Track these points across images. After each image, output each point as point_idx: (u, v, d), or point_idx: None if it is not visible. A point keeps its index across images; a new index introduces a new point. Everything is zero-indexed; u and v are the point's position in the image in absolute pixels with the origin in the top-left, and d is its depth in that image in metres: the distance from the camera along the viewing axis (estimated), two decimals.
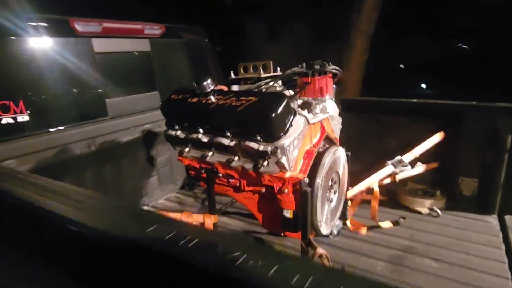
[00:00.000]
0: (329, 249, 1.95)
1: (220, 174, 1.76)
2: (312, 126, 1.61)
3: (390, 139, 2.53)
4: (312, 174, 1.56)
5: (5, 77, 1.79)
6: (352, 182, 2.14)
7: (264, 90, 1.69)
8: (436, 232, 2.10)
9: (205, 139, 1.59)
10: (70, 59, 2.06)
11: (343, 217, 2.08)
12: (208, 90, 1.56)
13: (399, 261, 1.85)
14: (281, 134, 1.40)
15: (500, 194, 2.26)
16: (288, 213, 1.59)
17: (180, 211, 2.44)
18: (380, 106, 2.66)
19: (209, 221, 1.81)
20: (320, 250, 1.50)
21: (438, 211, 2.29)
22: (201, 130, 1.61)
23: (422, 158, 2.36)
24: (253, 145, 1.46)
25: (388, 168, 2.17)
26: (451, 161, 2.40)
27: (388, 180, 2.26)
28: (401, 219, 2.22)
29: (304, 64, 1.63)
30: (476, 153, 2.31)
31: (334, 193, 1.79)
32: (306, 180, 1.50)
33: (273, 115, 1.36)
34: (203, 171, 1.83)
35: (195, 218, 1.80)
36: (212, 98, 1.54)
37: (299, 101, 1.67)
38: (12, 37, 1.80)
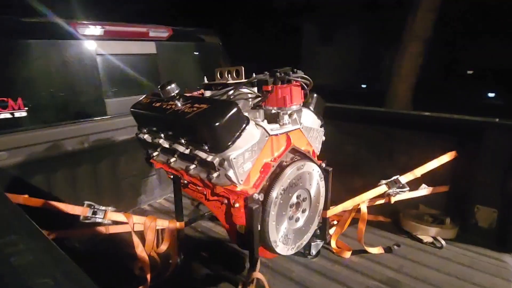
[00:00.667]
0: (303, 270, 1.83)
1: (186, 181, 1.73)
2: (274, 138, 1.50)
3: (390, 155, 2.28)
4: (268, 190, 1.45)
5: (7, 77, 1.95)
6: (339, 200, 1.96)
7: (232, 97, 1.61)
8: (433, 266, 1.83)
9: (166, 145, 1.56)
10: (72, 61, 2.19)
11: (323, 237, 1.93)
12: (172, 94, 1.53)
13: None
14: (228, 145, 1.32)
15: None
16: (240, 229, 1.51)
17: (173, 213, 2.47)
18: (381, 118, 2.41)
19: (173, 227, 1.79)
20: (257, 275, 1.38)
21: (442, 241, 2.00)
22: (162, 135, 1.59)
23: (430, 180, 2.08)
24: (202, 154, 1.40)
25: (381, 188, 1.94)
26: (467, 186, 2.09)
27: (381, 201, 2.02)
28: (395, 247, 1.98)
29: (267, 71, 1.52)
30: (497, 178, 1.97)
31: (303, 211, 1.65)
32: (256, 195, 1.40)
33: (217, 124, 1.28)
34: (172, 176, 1.82)
35: (160, 223, 1.79)
36: (174, 104, 1.51)
37: (263, 111, 1.56)
38: (15, 38, 1.96)
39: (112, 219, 1.70)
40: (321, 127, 1.79)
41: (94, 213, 1.67)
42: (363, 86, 12.29)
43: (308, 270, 1.83)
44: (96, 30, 2.24)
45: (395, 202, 2.04)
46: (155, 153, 1.67)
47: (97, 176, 2.34)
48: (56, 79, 2.16)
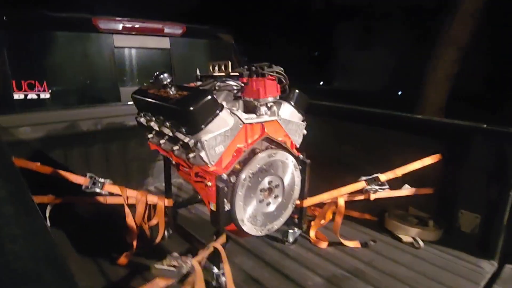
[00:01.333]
0: (278, 254, 1.96)
1: (174, 162, 1.92)
2: (249, 126, 1.64)
3: (376, 154, 2.32)
4: (237, 172, 1.60)
5: (36, 63, 2.26)
6: (318, 192, 2.06)
7: (218, 87, 1.78)
8: (404, 264, 1.87)
9: (156, 128, 1.76)
10: (92, 51, 2.48)
11: (299, 226, 2.04)
12: (164, 83, 1.72)
13: (337, 282, 1.73)
14: (201, 128, 1.48)
15: (505, 236, 1.89)
16: (212, 206, 1.66)
17: (178, 196, 2.68)
18: (370, 118, 2.45)
19: (161, 204, 1.98)
20: (215, 244, 1.52)
21: (421, 242, 2.03)
22: (153, 119, 1.79)
23: (415, 181, 2.11)
24: (181, 136, 1.57)
25: (359, 184, 2.01)
26: (452, 190, 2.09)
27: (361, 197, 2.08)
28: (371, 242, 2.04)
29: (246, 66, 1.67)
30: (482, 184, 1.96)
31: (275, 197, 1.77)
32: (225, 176, 1.55)
33: (190, 108, 1.46)
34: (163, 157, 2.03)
35: (150, 199, 1.99)
36: (165, 91, 1.70)
37: (242, 102, 1.71)
38: (44, 30, 2.27)
39: (109, 191, 1.93)
40: (302, 121, 1.91)
41: (94, 184, 1.90)
42: (399, 92, 11.93)
43: (282, 255, 1.95)
44: (115, 25, 2.51)
45: (384, 202, 2.09)
46: (150, 136, 1.88)
47: (108, 156, 2.61)
48: (77, 67, 2.45)
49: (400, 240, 2.09)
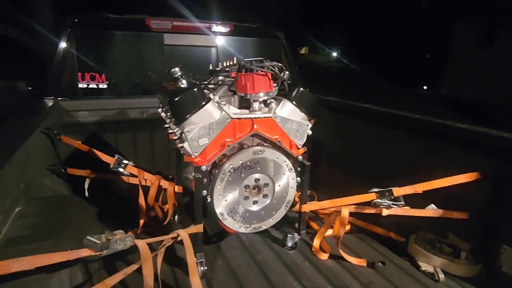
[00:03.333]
0: (271, 257, 1.90)
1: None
2: (237, 122, 1.63)
3: (399, 162, 2.00)
4: (218, 165, 1.61)
5: (96, 58, 2.66)
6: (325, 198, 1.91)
7: (220, 82, 1.82)
8: None
9: (164, 118, 1.90)
10: (144, 49, 2.79)
11: (298, 231, 1.93)
12: (174, 76, 1.83)
13: None
14: (184, 118, 1.55)
15: None
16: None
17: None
18: (396, 121, 2.10)
19: (171, 189, 2.12)
20: (180, 232, 1.55)
21: (441, 275, 1.69)
22: (164, 109, 1.93)
23: (445, 200, 1.77)
24: (172, 126, 1.67)
25: (368, 196, 1.78)
26: (495, 219, 1.68)
27: (372, 211, 1.84)
28: (380, 264, 1.79)
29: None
30: None
31: (263, 196, 1.72)
32: (204, 167, 1.58)
33: (175, 100, 1.54)
34: None
35: (163, 183, 2.14)
36: (174, 84, 1.82)
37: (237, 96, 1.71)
38: (103, 30, 2.65)
39: (130, 172, 2.16)
40: (306, 121, 1.80)
41: (119, 164, 2.16)
42: None
43: (277, 258, 1.87)
44: (165, 25, 2.76)
45: (416, 221, 1.83)
46: (166, 125, 2.03)
47: (153, 143, 2.89)
48: (130, 63, 2.79)
49: (418, 268, 1.79)
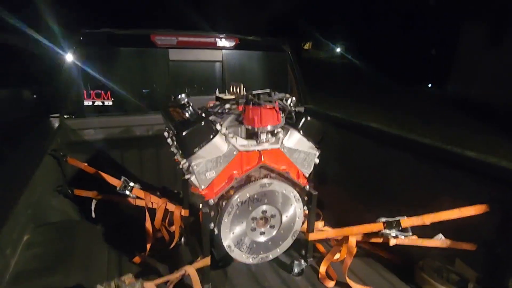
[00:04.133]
0: (278, 283, 1.90)
1: None
2: (245, 154, 1.62)
3: (406, 189, 1.98)
4: (226, 198, 1.60)
5: (102, 75, 2.64)
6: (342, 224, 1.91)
7: (227, 110, 1.80)
8: None
9: (170, 144, 1.88)
10: (149, 65, 2.78)
11: (305, 258, 1.93)
12: (181, 102, 1.82)
13: None
14: (191, 152, 1.54)
15: None
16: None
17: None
18: (405, 145, 2.08)
19: (178, 212, 2.12)
20: (188, 269, 1.55)
21: None
22: (170, 135, 1.92)
23: (453, 230, 1.75)
24: (179, 157, 1.67)
25: (376, 226, 1.76)
26: (504, 251, 1.66)
27: (379, 240, 1.83)
28: None
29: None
30: None
31: (270, 227, 1.71)
32: (211, 201, 1.58)
33: (182, 134, 1.53)
34: None
35: (169, 207, 2.15)
36: (179, 111, 1.81)
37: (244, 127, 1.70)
38: (108, 46, 2.64)
39: (136, 195, 2.16)
40: (313, 149, 1.78)
41: (125, 187, 2.15)
42: None
43: (283, 285, 1.87)
44: (170, 40, 2.75)
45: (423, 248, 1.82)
46: (171, 149, 2.02)
47: (159, 159, 2.89)
48: (136, 79, 2.78)
49: None
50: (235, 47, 2.98)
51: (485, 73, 11.84)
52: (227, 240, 1.63)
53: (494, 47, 11.86)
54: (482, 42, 12.31)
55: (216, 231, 1.63)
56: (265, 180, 1.62)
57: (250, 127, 1.63)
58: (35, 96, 4.29)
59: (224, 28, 3.23)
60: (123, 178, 2.18)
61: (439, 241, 1.75)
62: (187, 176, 1.62)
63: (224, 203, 1.60)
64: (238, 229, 1.64)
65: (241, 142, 1.62)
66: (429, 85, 15.38)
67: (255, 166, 1.63)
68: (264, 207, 1.66)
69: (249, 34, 3.13)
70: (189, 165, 1.56)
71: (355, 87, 14.10)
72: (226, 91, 1.99)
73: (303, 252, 1.94)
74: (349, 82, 15.50)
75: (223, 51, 2.95)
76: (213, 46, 2.91)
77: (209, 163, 1.57)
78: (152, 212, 2.14)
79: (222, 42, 2.92)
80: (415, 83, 15.06)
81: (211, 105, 1.91)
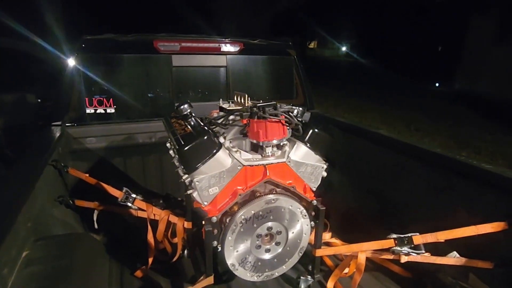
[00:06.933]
0: None
1: None
2: (249, 169, 1.56)
3: (414, 202, 1.90)
4: (230, 215, 1.54)
5: (104, 83, 2.59)
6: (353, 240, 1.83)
7: (231, 121, 1.74)
8: None
9: (172, 156, 1.82)
10: (152, 72, 2.72)
11: (312, 274, 1.86)
12: (184, 113, 1.75)
13: None
14: (193, 168, 1.48)
15: None
16: None
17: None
18: (421, 156, 2.00)
19: (181, 225, 2.06)
20: None
21: None
22: (173, 147, 1.86)
23: (468, 247, 1.67)
24: (180, 172, 1.61)
25: (387, 242, 1.69)
26: None
27: (390, 257, 1.75)
28: None
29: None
30: None
31: (276, 244, 1.65)
32: (215, 218, 1.51)
33: (184, 149, 1.46)
34: None
35: (172, 218, 2.09)
36: (181, 122, 1.74)
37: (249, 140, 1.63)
38: (111, 53, 2.59)
39: (138, 206, 2.11)
40: (321, 162, 1.71)
41: (127, 198, 2.10)
42: None
43: None
44: (173, 46, 2.68)
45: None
46: (174, 161, 1.96)
47: (162, 166, 2.84)
48: (138, 86, 2.72)
49: None
50: (240, 52, 2.91)
51: (493, 70, 11.63)
52: (231, 259, 1.57)
53: (502, 43, 11.63)
54: (490, 38, 12.08)
55: (219, 248, 1.57)
56: (271, 196, 1.55)
57: (255, 141, 1.56)
58: (39, 100, 4.25)
59: (229, 29, 3.15)
60: (124, 189, 2.13)
61: (454, 259, 1.67)
62: (189, 192, 1.56)
63: (228, 220, 1.54)
64: (243, 247, 1.57)
65: (246, 156, 1.56)
66: (437, 84, 15.15)
67: (260, 181, 1.57)
68: (269, 223, 1.60)
69: (254, 35, 3.05)
70: (191, 181, 1.50)
71: (360, 85, 13.98)
72: (230, 101, 1.92)
73: (310, 267, 1.87)
74: (354, 80, 15.37)
75: (228, 56, 2.88)
76: (217, 51, 2.84)
77: (212, 179, 1.51)
78: (155, 223, 2.09)
79: (227, 47, 2.85)
80: (421, 81, 14.87)
81: (215, 115, 1.84)
